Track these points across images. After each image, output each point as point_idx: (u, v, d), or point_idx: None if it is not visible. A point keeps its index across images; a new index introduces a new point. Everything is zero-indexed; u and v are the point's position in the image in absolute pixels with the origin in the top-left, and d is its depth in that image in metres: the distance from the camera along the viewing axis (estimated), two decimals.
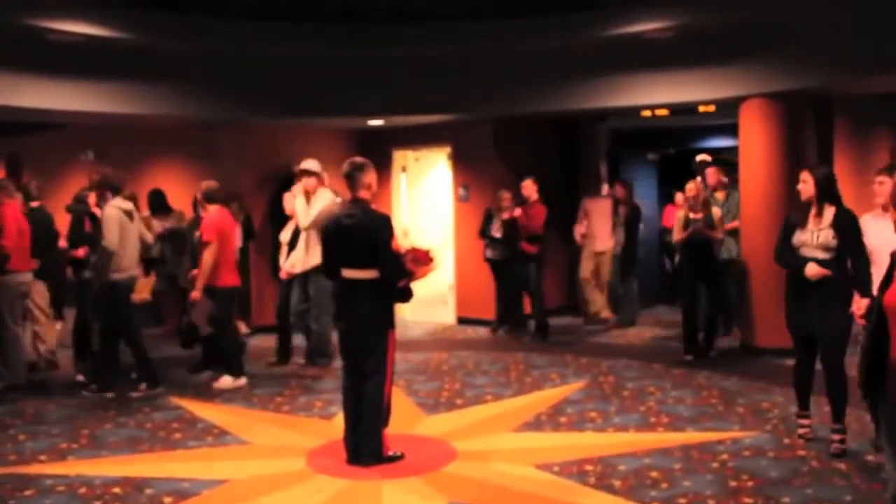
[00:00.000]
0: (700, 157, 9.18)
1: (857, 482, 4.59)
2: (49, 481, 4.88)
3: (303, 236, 7.68)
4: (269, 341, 9.25)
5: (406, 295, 5.10)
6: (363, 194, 5.08)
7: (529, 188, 9.22)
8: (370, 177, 5.09)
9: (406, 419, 5.96)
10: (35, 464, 5.23)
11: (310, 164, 7.74)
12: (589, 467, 4.95)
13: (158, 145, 10.83)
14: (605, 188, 10.67)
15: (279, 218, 9.85)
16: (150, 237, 7.42)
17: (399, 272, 4.99)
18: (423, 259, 5.02)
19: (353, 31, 8.41)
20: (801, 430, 5.43)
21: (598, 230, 9.79)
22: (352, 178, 5.09)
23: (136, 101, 8.31)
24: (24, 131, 11.74)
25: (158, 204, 9.68)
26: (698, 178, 8.28)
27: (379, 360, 5.00)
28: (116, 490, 4.73)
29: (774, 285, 7.32)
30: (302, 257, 7.68)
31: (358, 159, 5.19)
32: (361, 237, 4.94)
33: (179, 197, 9.90)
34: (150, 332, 9.70)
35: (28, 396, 6.87)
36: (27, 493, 4.72)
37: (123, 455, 5.42)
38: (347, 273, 5.02)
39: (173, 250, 9.41)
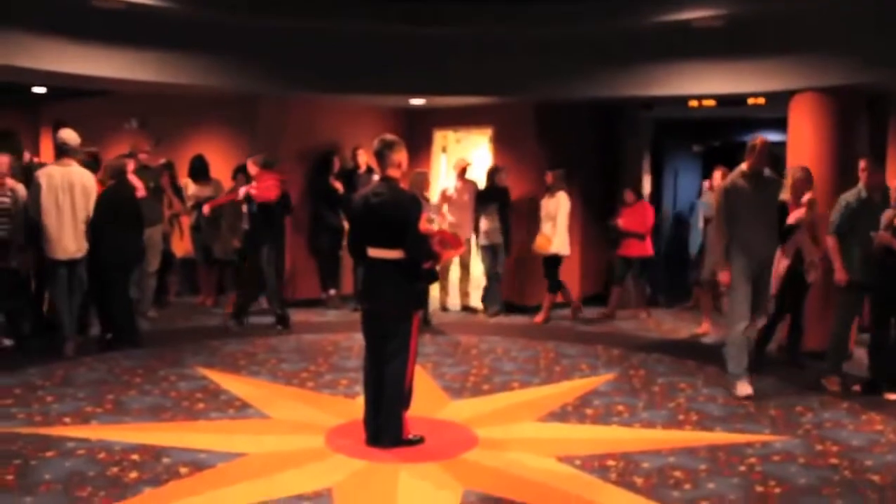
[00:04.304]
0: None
1: (891, 496, 4.42)
2: (70, 444, 4.93)
3: None
4: (302, 316, 9.25)
5: (431, 277, 5.02)
6: (392, 172, 5.00)
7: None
8: (400, 155, 5.00)
9: (430, 403, 5.90)
10: (59, 426, 5.29)
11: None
12: (611, 462, 4.85)
13: (200, 115, 10.88)
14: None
15: (316, 193, 9.84)
16: None
17: (424, 252, 4.90)
18: (450, 242, 4.95)
19: (399, 8, 8.30)
20: None
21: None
22: (381, 156, 5.01)
23: (180, 71, 8.31)
24: (67, 97, 11.87)
25: (199, 170, 9.69)
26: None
27: (402, 341, 4.95)
28: (135, 457, 4.75)
29: (815, 288, 7.12)
30: None
31: (388, 137, 5.09)
32: (388, 216, 4.87)
33: (219, 167, 9.96)
34: (184, 301, 9.84)
35: (60, 359, 6.93)
36: (48, 454, 4.76)
37: (145, 422, 5.45)
38: (373, 252, 4.95)
39: (209, 220, 9.43)
